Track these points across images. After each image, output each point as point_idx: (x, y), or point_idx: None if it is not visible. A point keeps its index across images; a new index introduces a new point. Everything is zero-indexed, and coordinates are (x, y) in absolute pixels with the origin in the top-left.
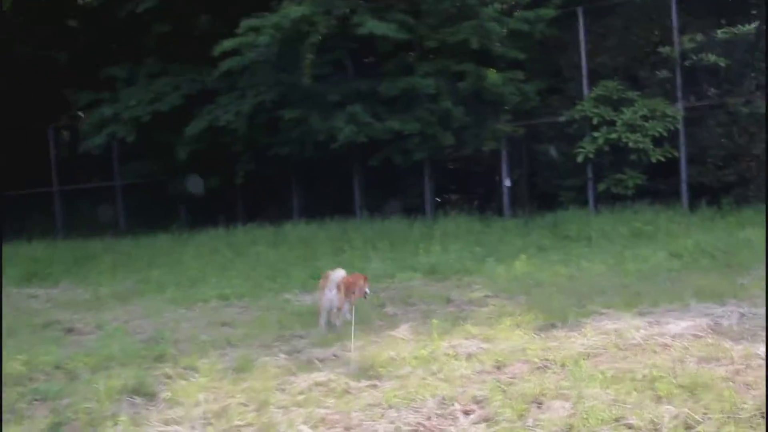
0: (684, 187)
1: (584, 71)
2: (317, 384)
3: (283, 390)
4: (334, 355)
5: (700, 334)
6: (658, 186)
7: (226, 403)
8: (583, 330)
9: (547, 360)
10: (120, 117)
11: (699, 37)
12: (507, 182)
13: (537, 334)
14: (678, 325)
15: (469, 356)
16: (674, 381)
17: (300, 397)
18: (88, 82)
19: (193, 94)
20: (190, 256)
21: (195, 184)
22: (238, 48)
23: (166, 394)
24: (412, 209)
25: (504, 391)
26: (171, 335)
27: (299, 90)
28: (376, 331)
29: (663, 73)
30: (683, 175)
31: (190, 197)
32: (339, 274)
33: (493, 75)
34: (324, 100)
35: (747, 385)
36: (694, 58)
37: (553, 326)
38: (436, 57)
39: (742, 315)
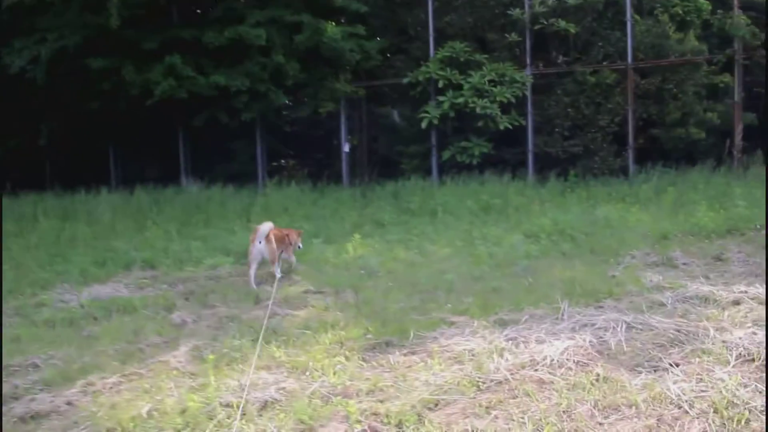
0: (530, 157)
1: (431, 30)
2: None
3: None
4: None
5: (585, 359)
6: (504, 155)
7: None
8: (427, 352)
9: (375, 417)
10: None
11: (550, 1)
12: (346, 148)
13: (365, 361)
14: (553, 345)
15: (263, 407)
16: None
17: None
18: None
19: None
20: None
21: None
22: None
23: None
24: (243, 176)
25: None
26: None
27: (108, 35)
28: (143, 357)
29: (512, 37)
30: (530, 145)
31: None
32: (267, 226)
33: (332, 28)
34: (138, 49)
35: None
36: (545, 22)
37: (388, 345)
38: (269, 5)
39: (629, 326)
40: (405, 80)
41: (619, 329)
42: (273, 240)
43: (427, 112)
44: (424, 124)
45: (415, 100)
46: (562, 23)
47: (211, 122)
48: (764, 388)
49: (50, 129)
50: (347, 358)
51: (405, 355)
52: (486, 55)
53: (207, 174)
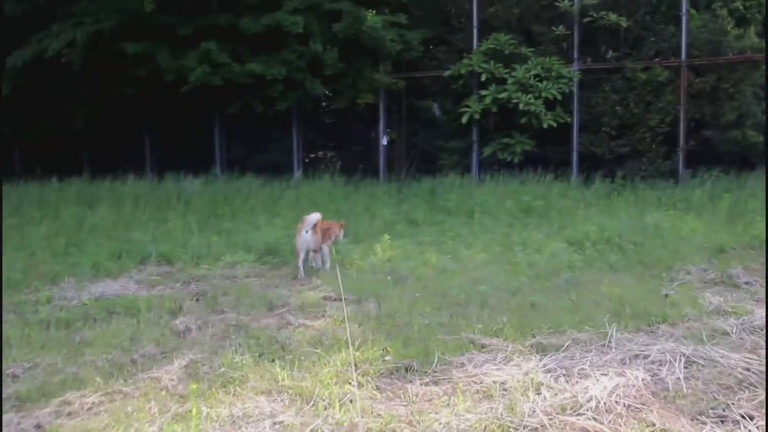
0: (575, 157)
1: (475, 21)
2: None
3: None
4: None
5: (637, 402)
6: (547, 154)
7: None
8: (452, 383)
9: None
10: None
11: None
12: (384, 141)
13: (380, 390)
14: (599, 383)
15: None
16: None
17: None
18: None
19: (17, 17)
20: None
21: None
22: None
23: None
24: (278, 167)
25: None
26: None
27: (143, 20)
28: (132, 372)
29: (560, 30)
30: (574, 144)
31: (21, 141)
32: (314, 216)
33: (372, 17)
34: (174, 35)
35: None
36: (594, 15)
37: (408, 371)
38: None
39: (688, 360)
40: (446, 73)
41: (676, 364)
42: (319, 231)
43: (468, 106)
44: (464, 119)
45: (457, 93)
46: (613, 16)
47: (246, 111)
48: None
49: (86, 114)
50: (360, 385)
51: (426, 384)
52: (531, 49)
53: (242, 164)
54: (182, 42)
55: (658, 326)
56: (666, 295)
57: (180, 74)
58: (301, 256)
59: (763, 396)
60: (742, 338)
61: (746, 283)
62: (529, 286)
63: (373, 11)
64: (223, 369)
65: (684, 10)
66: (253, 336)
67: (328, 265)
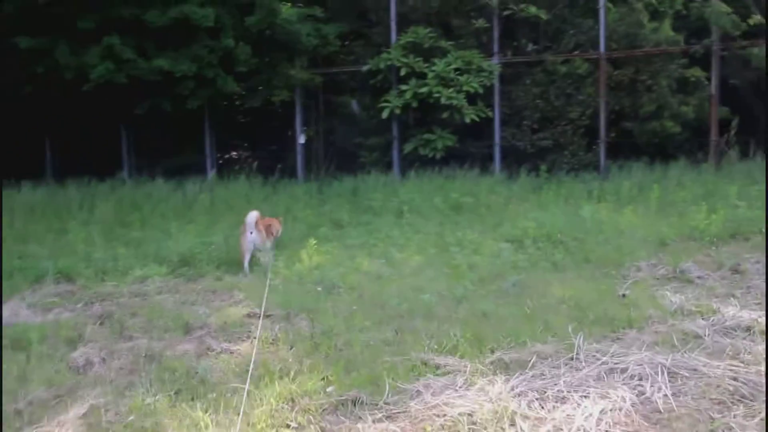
0: (497, 151)
1: (392, 15)
2: None
3: None
4: None
5: (630, 430)
6: (469, 149)
7: None
8: (409, 418)
9: None
10: None
11: None
12: (301, 139)
13: None
14: (581, 407)
15: None
16: None
17: None
18: None
19: None
20: None
21: None
22: None
23: None
24: (190, 169)
25: None
26: None
27: (38, 11)
28: (16, 427)
29: (480, 23)
30: (497, 138)
31: None
32: (253, 215)
33: (287, 9)
34: (73, 28)
35: None
36: (514, 8)
37: (356, 405)
38: None
39: (671, 373)
40: (365, 68)
41: (659, 378)
42: (262, 229)
43: (388, 101)
44: (385, 114)
45: (376, 89)
46: (532, 9)
47: (154, 111)
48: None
49: None
50: (301, 427)
51: (379, 420)
52: (451, 42)
53: (151, 167)
54: (82, 37)
55: (625, 332)
56: (623, 295)
57: (81, 71)
58: (247, 257)
59: (763, 413)
60: (717, 341)
61: (699, 277)
62: (474, 292)
63: (288, 4)
64: (131, 417)
65: (602, 3)
66: (168, 368)
67: (267, 259)
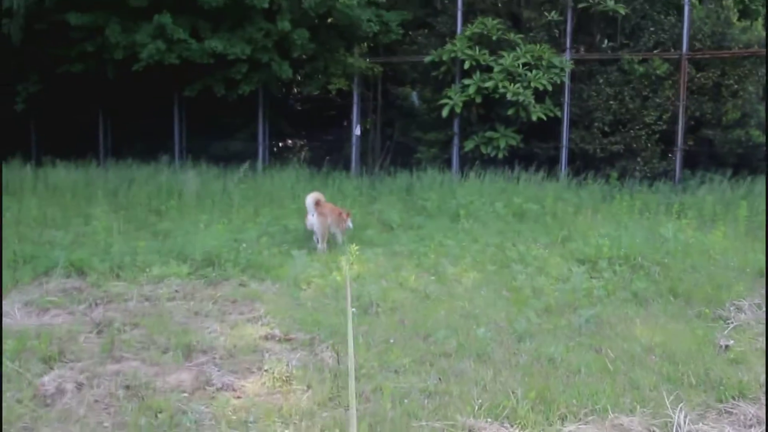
0: (564, 154)
1: (459, 4)
2: None
3: None
4: None
5: None
6: (533, 149)
7: None
8: None
9: None
10: None
11: None
12: (357, 131)
13: None
14: None
15: None
16: None
17: None
18: None
19: None
20: None
21: None
22: None
23: None
24: (243, 156)
25: None
26: None
27: None
28: None
29: (552, 16)
30: (564, 139)
31: None
32: (313, 196)
33: None
34: (124, 5)
35: None
36: (590, 1)
37: None
38: None
39: None
40: (427, 59)
41: None
42: (327, 213)
43: (449, 97)
44: (445, 113)
45: (438, 81)
46: (610, 3)
47: (207, 94)
48: None
49: (29, 93)
50: None
51: None
52: (521, 35)
53: (203, 152)
54: (134, 14)
55: (735, 403)
56: (726, 347)
57: (131, 50)
58: (315, 238)
59: None
60: None
61: None
62: (539, 326)
63: None
64: None
65: None
66: (152, 407)
67: (322, 246)
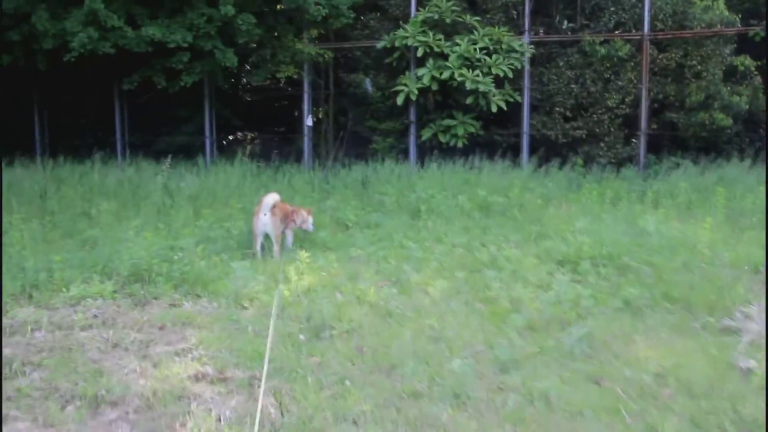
0: (525, 141)
1: None
2: None
3: None
4: None
5: None
6: (493, 137)
7: None
8: None
9: None
10: None
11: None
12: (309, 121)
13: None
14: None
15: None
16: None
17: None
18: None
19: None
20: None
21: None
22: None
23: None
24: (190, 150)
25: None
26: None
27: None
28: None
29: None
30: (525, 126)
31: None
32: (271, 197)
33: None
34: None
35: None
36: None
37: None
38: None
39: None
40: (379, 45)
41: None
42: (279, 213)
43: (405, 84)
44: (399, 101)
45: (392, 67)
46: None
47: (149, 85)
48: None
49: None
50: None
51: None
52: (477, 18)
53: (148, 147)
54: (64, 0)
55: None
56: (748, 370)
57: (62, 39)
58: (258, 240)
59: None
60: None
61: None
62: (524, 350)
63: None
64: None
65: None
66: None
67: (276, 250)
